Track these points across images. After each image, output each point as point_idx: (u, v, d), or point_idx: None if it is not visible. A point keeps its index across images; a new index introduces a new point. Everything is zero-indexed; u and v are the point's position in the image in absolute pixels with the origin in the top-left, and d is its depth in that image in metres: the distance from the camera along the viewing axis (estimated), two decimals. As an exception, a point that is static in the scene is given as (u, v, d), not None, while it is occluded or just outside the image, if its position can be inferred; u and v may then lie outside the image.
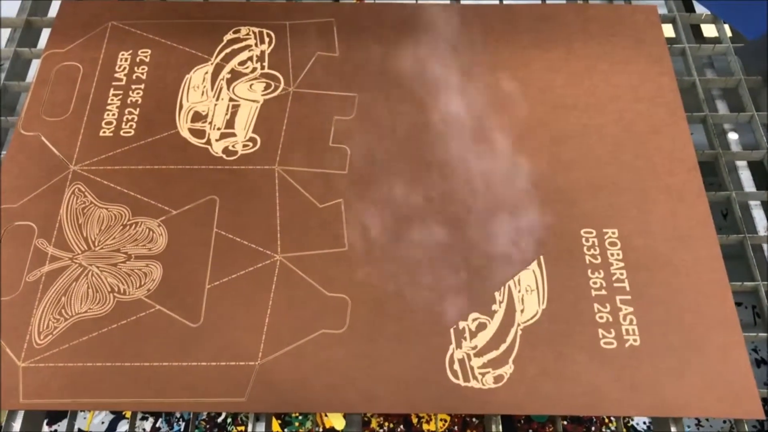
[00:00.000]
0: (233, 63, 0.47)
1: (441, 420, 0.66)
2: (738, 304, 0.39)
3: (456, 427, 0.67)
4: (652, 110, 0.45)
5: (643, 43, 0.48)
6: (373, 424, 0.64)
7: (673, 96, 0.45)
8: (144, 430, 0.70)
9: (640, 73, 0.46)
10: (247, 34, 0.48)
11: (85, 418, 0.68)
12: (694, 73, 0.49)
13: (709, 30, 0.56)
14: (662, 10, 0.52)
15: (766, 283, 0.41)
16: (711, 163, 0.46)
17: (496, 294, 0.38)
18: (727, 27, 0.52)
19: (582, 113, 0.45)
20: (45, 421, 0.43)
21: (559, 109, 0.45)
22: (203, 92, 0.46)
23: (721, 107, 0.50)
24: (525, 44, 0.48)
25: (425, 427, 0.66)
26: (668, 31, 0.51)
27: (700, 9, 0.54)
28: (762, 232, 0.44)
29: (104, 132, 0.44)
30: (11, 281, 0.39)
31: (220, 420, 0.69)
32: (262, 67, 0.47)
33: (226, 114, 0.45)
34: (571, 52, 0.47)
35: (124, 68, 0.47)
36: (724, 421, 0.68)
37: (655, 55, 0.47)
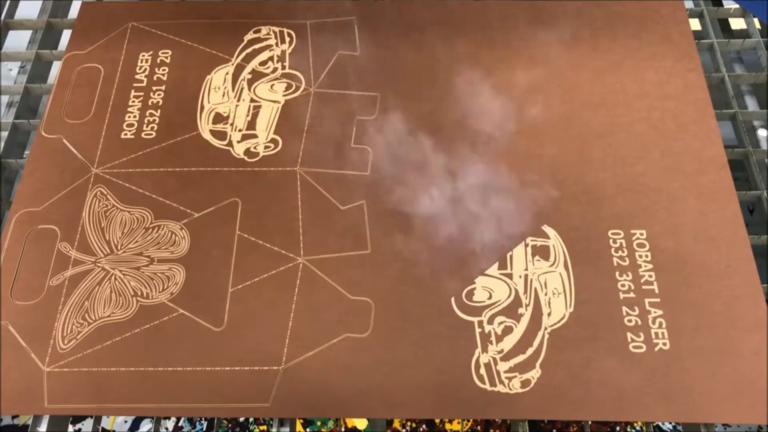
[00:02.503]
0: (254, 63, 0.47)
1: (465, 420, 0.66)
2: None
3: (479, 427, 0.66)
4: (680, 108, 0.44)
5: (670, 39, 0.47)
6: (396, 424, 0.63)
7: (701, 93, 0.44)
8: (167, 429, 0.70)
9: (667, 69, 0.45)
10: (268, 34, 0.48)
11: (108, 417, 0.68)
12: (722, 69, 0.48)
13: (736, 23, 0.55)
14: (689, 4, 0.51)
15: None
16: (739, 159, 0.45)
17: (523, 297, 0.38)
18: (756, 20, 0.51)
19: (608, 111, 0.44)
20: (70, 419, 0.43)
21: (585, 107, 0.44)
22: (224, 93, 0.45)
23: (751, 103, 0.49)
24: (550, 41, 0.47)
25: (448, 426, 0.66)
26: (694, 24, 0.50)
27: (728, 3, 0.53)
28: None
29: (125, 134, 0.44)
30: (35, 285, 0.39)
31: (242, 419, 0.69)
32: (283, 67, 0.46)
33: (248, 115, 0.44)
34: (596, 49, 0.46)
35: (145, 69, 0.47)
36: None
37: (683, 50, 0.46)
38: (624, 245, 0.39)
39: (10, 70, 0.54)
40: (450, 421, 0.66)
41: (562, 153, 0.42)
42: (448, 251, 0.39)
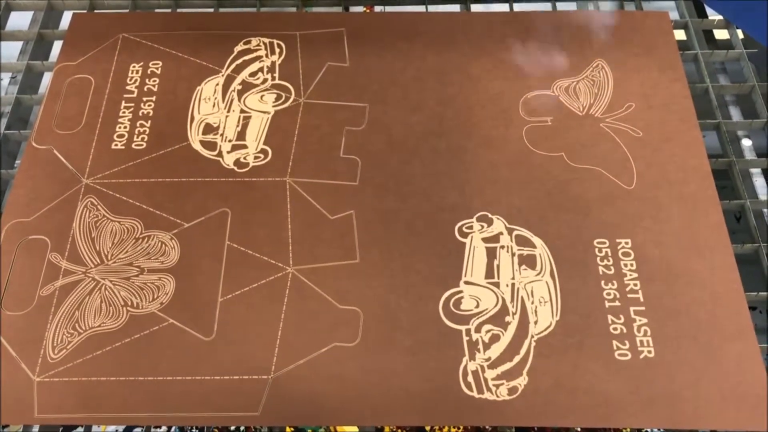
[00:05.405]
0: (244, 74, 0.47)
1: (454, 427, 0.66)
2: (752, 309, 0.39)
3: (469, 434, 0.66)
4: (665, 118, 0.44)
5: (655, 50, 0.47)
6: (386, 431, 0.63)
7: (685, 103, 0.45)
8: (157, 437, 0.70)
9: (652, 80, 0.46)
10: (258, 45, 0.48)
11: (99, 426, 0.68)
12: (706, 80, 0.48)
13: (720, 34, 0.56)
14: (674, 15, 0.52)
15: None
16: (723, 169, 0.46)
17: (510, 306, 0.38)
18: (739, 32, 0.51)
19: (594, 121, 0.44)
20: (60, 429, 0.43)
21: (571, 116, 0.45)
22: (214, 104, 0.46)
23: (735, 113, 0.50)
24: (536, 51, 0.47)
25: (438, 433, 0.66)
26: (679, 35, 0.50)
27: (712, 14, 0.54)
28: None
29: (116, 145, 0.44)
30: (25, 295, 0.39)
31: (232, 428, 0.69)
32: (273, 78, 0.47)
33: (237, 126, 0.45)
34: (582, 59, 0.47)
35: (136, 80, 0.47)
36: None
37: (668, 61, 0.47)
38: (609, 254, 0.40)
39: (1, 80, 0.55)
40: (441, 428, 0.66)
41: (548, 162, 0.43)
42: (437, 260, 0.40)
